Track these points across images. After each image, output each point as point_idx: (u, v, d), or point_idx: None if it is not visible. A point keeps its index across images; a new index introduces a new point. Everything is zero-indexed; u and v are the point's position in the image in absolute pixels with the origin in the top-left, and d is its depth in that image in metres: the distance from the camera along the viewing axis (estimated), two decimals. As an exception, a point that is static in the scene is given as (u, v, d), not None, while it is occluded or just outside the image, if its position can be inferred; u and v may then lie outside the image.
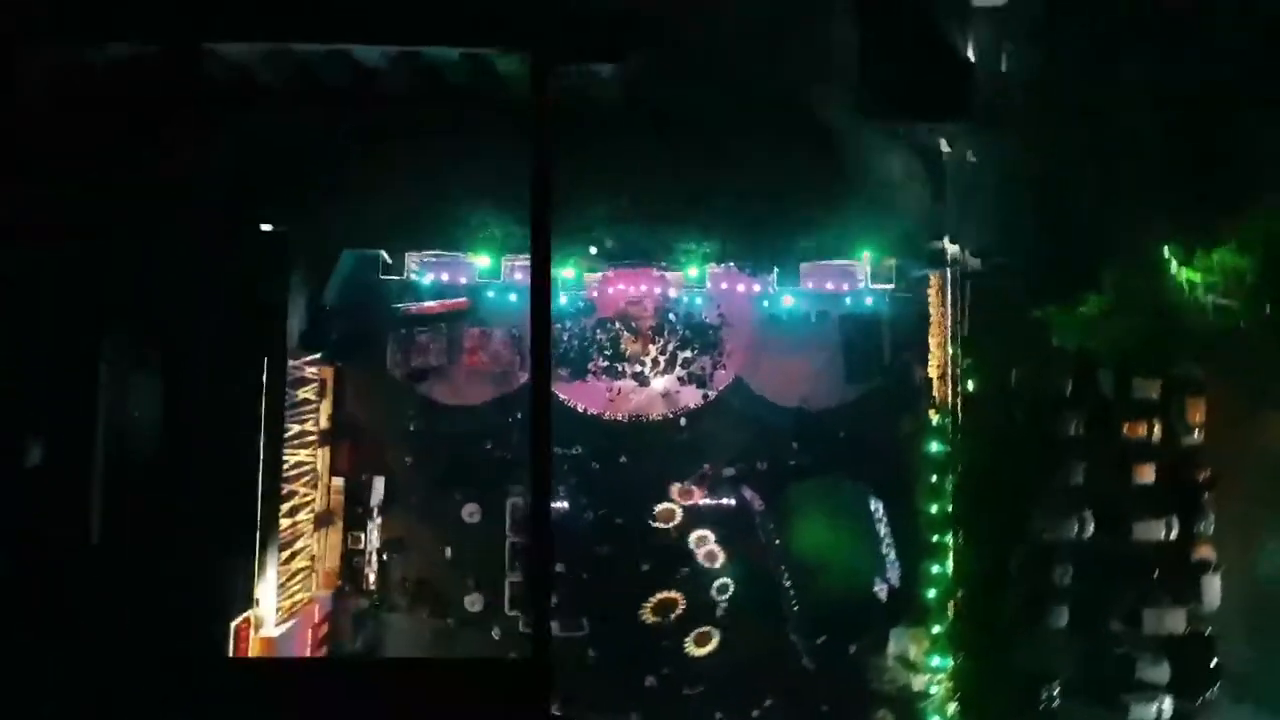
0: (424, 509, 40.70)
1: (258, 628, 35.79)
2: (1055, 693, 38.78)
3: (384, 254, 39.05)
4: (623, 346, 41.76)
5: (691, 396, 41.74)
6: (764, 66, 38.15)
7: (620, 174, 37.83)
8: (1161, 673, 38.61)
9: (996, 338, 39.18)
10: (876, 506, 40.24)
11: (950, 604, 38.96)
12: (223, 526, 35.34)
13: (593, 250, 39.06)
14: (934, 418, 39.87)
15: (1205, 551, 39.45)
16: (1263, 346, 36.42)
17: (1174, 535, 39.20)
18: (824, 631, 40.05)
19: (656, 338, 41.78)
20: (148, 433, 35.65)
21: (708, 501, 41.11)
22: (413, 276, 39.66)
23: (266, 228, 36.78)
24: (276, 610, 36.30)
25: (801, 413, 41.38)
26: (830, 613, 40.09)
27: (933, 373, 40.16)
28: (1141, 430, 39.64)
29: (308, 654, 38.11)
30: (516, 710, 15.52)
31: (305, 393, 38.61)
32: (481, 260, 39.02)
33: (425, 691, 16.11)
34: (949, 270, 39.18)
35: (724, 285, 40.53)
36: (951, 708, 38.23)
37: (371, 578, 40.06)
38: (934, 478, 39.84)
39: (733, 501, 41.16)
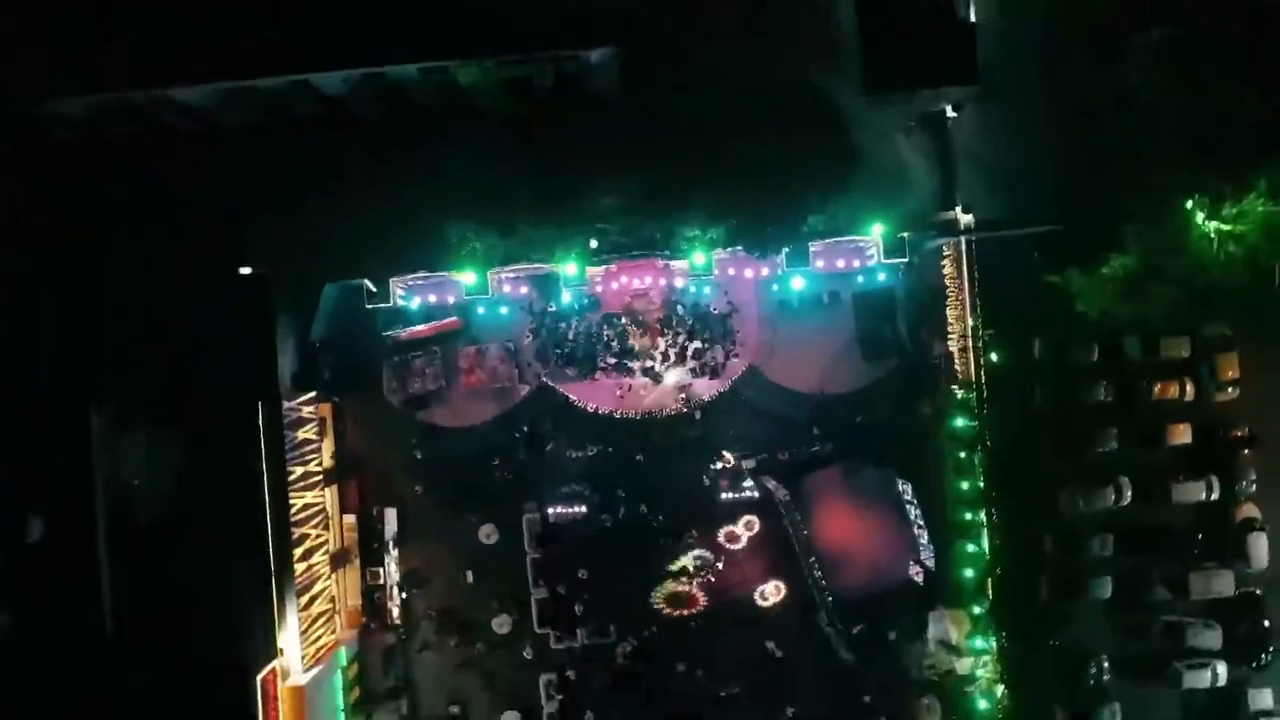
0: (440, 536, 39.68)
1: (285, 677, 35.09)
2: (1104, 667, 38.26)
3: (367, 283, 37.44)
4: (631, 342, 40.17)
5: (705, 388, 40.24)
6: (762, 49, 36.67)
7: (621, 163, 36.58)
8: (1213, 638, 37.90)
9: (1017, 307, 37.70)
10: (905, 488, 38.85)
11: (988, 583, 38.03)
12: (236, 581, 34.52)
13: (593, 244, 37.64)
14: (958, 393, 38.38)
15: (1249, 510, 38.45)
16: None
17: (1215, 496, 38.19)
18: (860, 620, 39.00)
19: (665, 330, 40.08)
20: (148, 497, 34.68)
21: (730, 496, 39.85)
22: (400, 302, 38.08)
23: (245, 271, 35.24)
24: (302, 657, 35.62)
25: (820, 398, 39.84)
26: (865, 600, 38.98)
27: (953, 346, 38.55)
28: (1173, 391, 38.41)
29: (339, 698, 37.60)
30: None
31: (305, 433, 37.32)
32: (467, 277, 37.58)
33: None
34: (962, 240, 37.36)
35: (731, 271, 38.74)
36: (999, 690, 37.44)
37: (395, 612, 39.14)
38: (962, 454, 38.51)
39: (756, 494, 39.88)
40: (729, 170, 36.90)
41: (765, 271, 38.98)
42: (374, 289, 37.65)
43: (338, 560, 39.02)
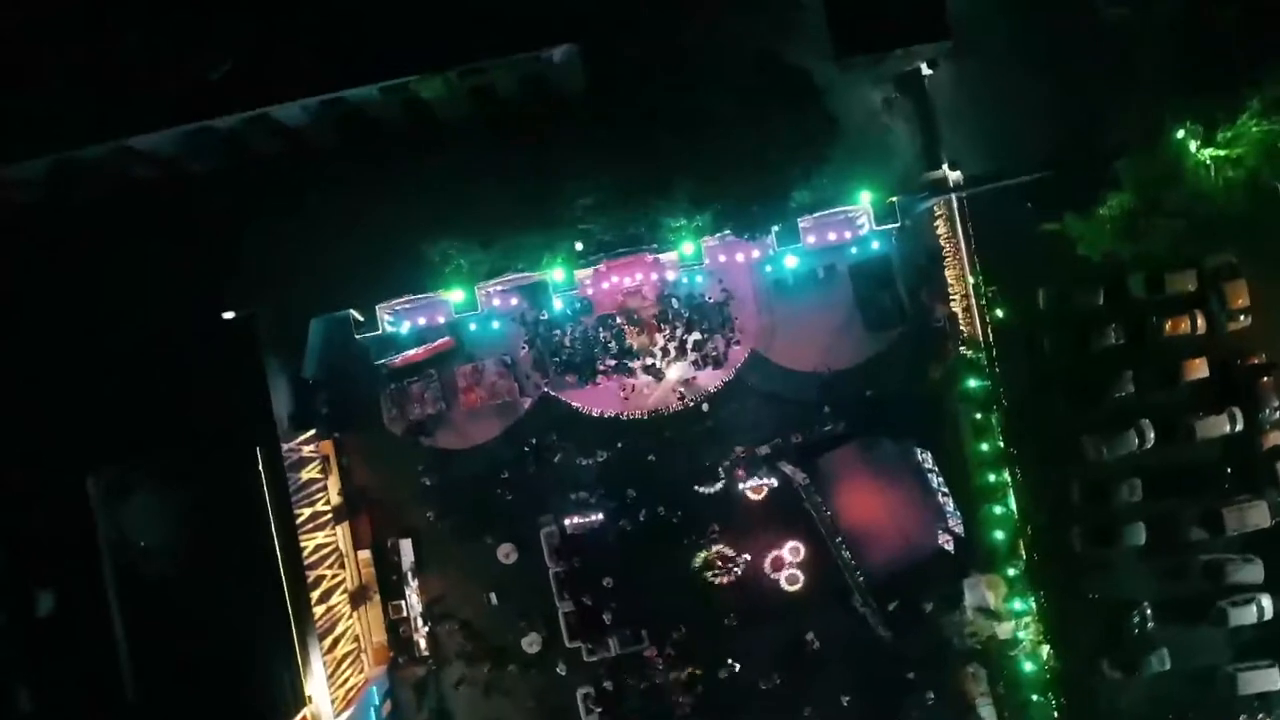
0: (458, 561, 38.85)
1: (316, 723, 34.42)
2: (1147, 614, 37.40)
3: (354, 313, 36.58)
4: (628, 341, 39.36)
5: (709, 380, 39.44)
6: (726, 27, 35.90)
7: (596, 160, 35.56)
8: (1255, 572, 36.96)
9: (1017, 260, 36.83)
10: (924, 456, 38.03)
11: (1020, 543, 37.23)
12: (255, 631, 33.58)
13: (579, 246, 36.74)
14: (966, 354, 37.55)
15: (1276, 438, 37.51)
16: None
17: (1239, 427, 37.25)
18: (894, 596, 38.06)
19: (662, 325, 39.27)
20: (155, 557, 33.76)
21: (746, 486, 39.01)
22: (388, 328, 37.21)
23: (228, 315, 34.39)
24: (332, 701, 34.72)
25: (827, 376, 39.03)
26: (898, 576, 38.07)
27: (955, 307, 37.72)
28: (1184, 326, 37.47)
29: (374, 737, 36.82)
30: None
31: (308, 473, 36.44)
32: (455, 295, 36.73)
33: None
34: (953, 197, 36.51)
35: (722, 258, 37.94)
36: (1044, 650, 36.63)
37: (423, 643, 38.33)
38: (978, 415, 37.72)
39: (774, 481, 39.07)
40: (707, 154, 35.65)
41: (756, 253, 38.20)
42: (361, 319, 36.80)
43: (357, 598, 38.21)
